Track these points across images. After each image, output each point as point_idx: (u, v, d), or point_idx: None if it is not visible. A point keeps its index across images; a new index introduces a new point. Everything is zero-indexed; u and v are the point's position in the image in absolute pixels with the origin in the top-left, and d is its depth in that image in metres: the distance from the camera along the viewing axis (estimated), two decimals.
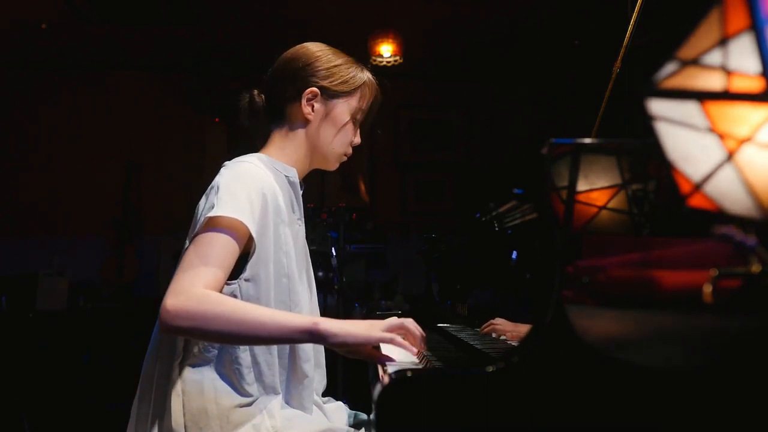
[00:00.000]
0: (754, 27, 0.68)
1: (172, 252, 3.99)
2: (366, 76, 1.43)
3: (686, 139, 0.73)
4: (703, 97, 0.72)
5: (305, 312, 1.36)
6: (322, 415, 1.39)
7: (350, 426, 1.44)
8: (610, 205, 0.96)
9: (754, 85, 0.70)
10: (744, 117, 0.71)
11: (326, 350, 1.41)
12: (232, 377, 1.24)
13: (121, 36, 4.43)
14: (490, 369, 0.92)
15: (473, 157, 5.13)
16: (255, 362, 1.26)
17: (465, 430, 0.91)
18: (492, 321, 1.49)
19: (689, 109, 0.72)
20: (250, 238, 1.23)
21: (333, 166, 1.47)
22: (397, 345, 1.20)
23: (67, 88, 4.94)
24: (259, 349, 1.26)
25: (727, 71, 0.71)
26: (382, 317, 1.28)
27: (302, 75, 1.39)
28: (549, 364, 0.92)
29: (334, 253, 3.39)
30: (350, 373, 3.15)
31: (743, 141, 0.71)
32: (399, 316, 1.39)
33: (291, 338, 1.20)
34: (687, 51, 0.72)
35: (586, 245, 0.95)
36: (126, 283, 4.65)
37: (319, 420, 1.35)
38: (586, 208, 0.96)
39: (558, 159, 0.96)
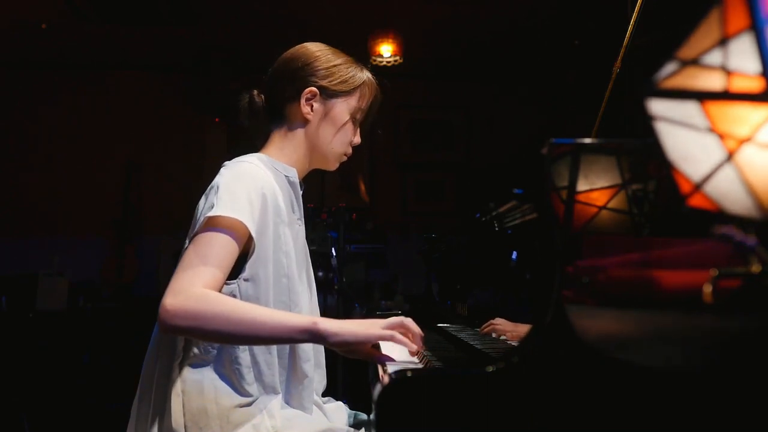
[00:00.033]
0: (754, 27, 0.68)
1: (172, 252, 3.99)
2: (365, 75, 1.43)
3: (686, 139, 0.73)
4: (703, 97, 0.72)
5: (305, 312, 1.36)
6: (322, 415, 1.39)
7: (350, 426, 1.44)
8: (610, 205, 0.96)
9: (754, 85, 0.70)
10: (744, 117, 0.71)
11: (326, 350, 1.41)
12: (232, 377, 1.24)
13: (121, 36, 4.43)
14: (490, 369, 0.92)
15: (473, 157, 5.13)
16: (255, 362, 1.26)
17: (465, 430, 0.91)
18: (492, 321, 1.49)
19: (689, 109, 0.72)
20: (250, 238, 1.23)
21: (333, 166, 1.47)
22: (397, 342, 1.20)
23: (67, 88, 4.94)
24: (259, 349, 1.26)
25: (727, 71, 0.71)
26: (382, 317, 1.28)
27: (301, 75, 1.39)
28: (549, 364, 0.92)
29: (334, 253, 3.39)
30: (350, 373, 3.15)
31: (743, 141, 0.71)
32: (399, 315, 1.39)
33: (290, 338, 1.20)
34: (687, 51, 0.72)
35: (586, 245, 0.95)
36: (126, 283, 4.65)
37: (319, 420, 1.35)
38: (586, 208, 0.96)
39: (558, 159, 0.96)
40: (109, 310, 4.35)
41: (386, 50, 3.88)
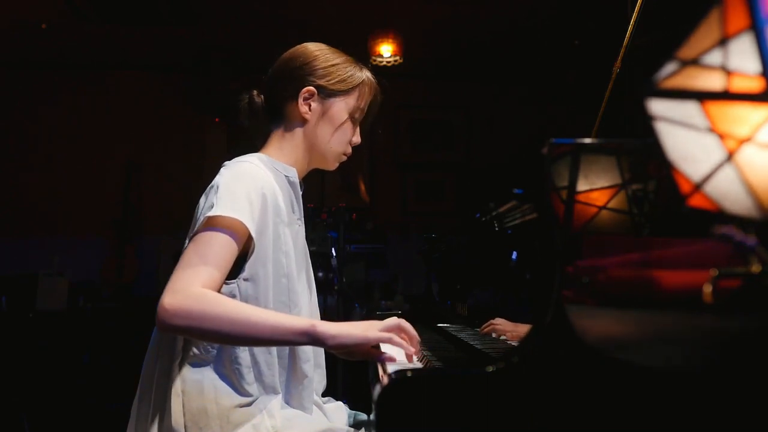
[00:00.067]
0: (754, 27, 0.68)
1: (172, 252, 3.99)
2: (365, 75, 1.43)
3: (686, 139, 0.73)
4: (703, 97, 0.72)
5: (305, 312, 1.36)
6: (322, 415, 1.39)
7: (350, 426, 1.44)
8: (610, 205, 0.96)
9: (754, 85, 0.70)
10: (744, 117, 0.71)
11: (326, 351, 1.41)
12: (232, 377, 1.24)
13: (121, 36, 4.43)
14: (490, 369, 0.92)
15: (473, 157, 5.13)
16: (255, 362, 1.26)
17: (465, 430, 0.91)
18: (492, 321, 1.49)
19: (689, 109, 0.72)
20: (250, 238, 1.23)
21: (332, 165, 1.47)
22: (395, 344, 1.20)
23: (67, 88, 4.94)
24: (259, 349, 1.26)
25: (727, 71, 0.71)
26: (382, 317, 1.28)
27: (300, 74, 1.39)
28: (549, 364, 0.92)
29: (334, 254, 3.39)
30: (350, 373, 3.15)
31: (743, 141, 0.71)
32: (399, 316, 1.39)
33: (288, 340, 1.19)
34: (687, 51, 0.72)
35: (586, 245, 0.95)
36: (126, 283, 4.65)
37: (319, 420, 1.35)
38: (586, 208, 0.96)
39: (558, 159, 0.96)
40: (109, 310, 4.35)
41: (386, 50, 3.88)
